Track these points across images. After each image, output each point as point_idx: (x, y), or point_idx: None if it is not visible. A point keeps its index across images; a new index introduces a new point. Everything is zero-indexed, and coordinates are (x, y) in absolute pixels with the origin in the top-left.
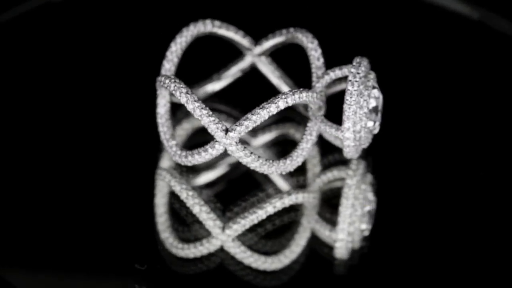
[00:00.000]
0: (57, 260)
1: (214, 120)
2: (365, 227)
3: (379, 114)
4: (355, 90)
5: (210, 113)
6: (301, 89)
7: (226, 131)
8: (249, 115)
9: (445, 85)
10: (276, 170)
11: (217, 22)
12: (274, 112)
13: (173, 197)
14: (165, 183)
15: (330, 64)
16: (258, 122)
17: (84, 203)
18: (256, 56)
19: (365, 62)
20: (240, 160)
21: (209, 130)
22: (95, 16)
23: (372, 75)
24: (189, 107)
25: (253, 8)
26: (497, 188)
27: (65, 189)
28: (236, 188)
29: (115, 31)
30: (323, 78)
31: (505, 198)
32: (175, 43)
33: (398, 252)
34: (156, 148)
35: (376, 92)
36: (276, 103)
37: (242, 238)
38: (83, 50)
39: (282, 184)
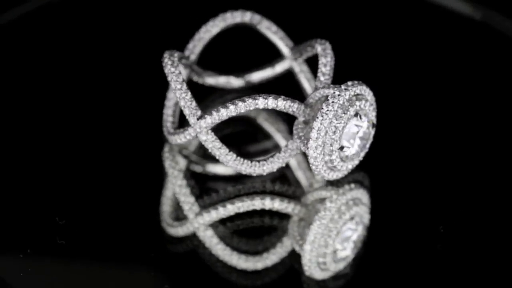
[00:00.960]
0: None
1: (190, 105)
2: (339, 251)
3: (358, 141)
4: (329, 111)
5: (189, 97)
6: (281, 96)
7: (200, 118)
8: (219, 107)
9: (448, 87)
10: (245, 170)
11: (257, 16)
12: (243, 111)
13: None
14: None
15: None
16: (225, 116)
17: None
18: (294, 60)
19: (356, 87)
20: (210, 151)
21: (184, 114)
22: (101, 14)
23: (363, 103)
24: (172, 85)
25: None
26: (498, 211)
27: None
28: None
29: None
30: (313, 93)
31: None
32: (206, 25)
33: (384, 283)
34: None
35: (358, 121)
36: (245, 101)
37: (219, 230)
38: (92, 48)
39: (304, 183)
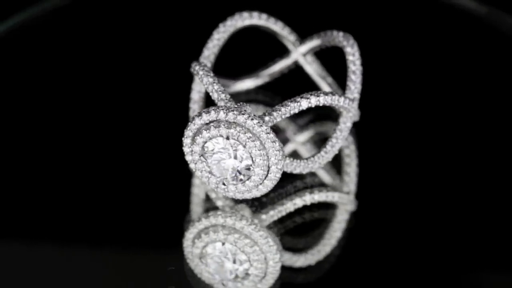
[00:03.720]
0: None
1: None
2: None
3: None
4: (193, 124)
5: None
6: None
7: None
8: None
9: (450, 86)
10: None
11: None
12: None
13: None
14: None
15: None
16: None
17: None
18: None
19: (209, 114)
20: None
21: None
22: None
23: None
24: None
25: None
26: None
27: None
28: None
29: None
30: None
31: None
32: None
33: None
34: None
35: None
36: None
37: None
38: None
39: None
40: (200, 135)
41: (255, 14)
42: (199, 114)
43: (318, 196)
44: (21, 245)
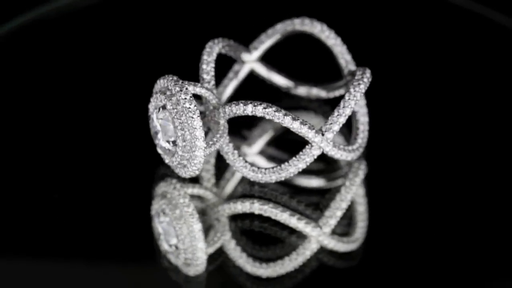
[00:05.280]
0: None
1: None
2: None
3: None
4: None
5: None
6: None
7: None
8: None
9: (449, 85)
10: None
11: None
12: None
13: None
14: None
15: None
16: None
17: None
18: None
19: (163, 80)
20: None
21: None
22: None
23: (163, 100)
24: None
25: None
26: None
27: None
28: None
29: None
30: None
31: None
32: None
33: None
34: None
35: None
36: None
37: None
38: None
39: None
40: (153, 97)
41: (318, 25)
42: (162, 78)
43: (284, 217)
44: None
